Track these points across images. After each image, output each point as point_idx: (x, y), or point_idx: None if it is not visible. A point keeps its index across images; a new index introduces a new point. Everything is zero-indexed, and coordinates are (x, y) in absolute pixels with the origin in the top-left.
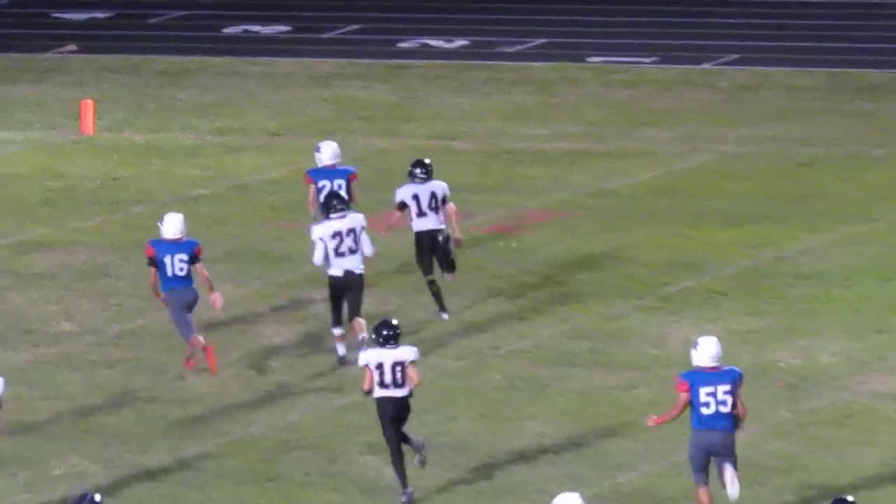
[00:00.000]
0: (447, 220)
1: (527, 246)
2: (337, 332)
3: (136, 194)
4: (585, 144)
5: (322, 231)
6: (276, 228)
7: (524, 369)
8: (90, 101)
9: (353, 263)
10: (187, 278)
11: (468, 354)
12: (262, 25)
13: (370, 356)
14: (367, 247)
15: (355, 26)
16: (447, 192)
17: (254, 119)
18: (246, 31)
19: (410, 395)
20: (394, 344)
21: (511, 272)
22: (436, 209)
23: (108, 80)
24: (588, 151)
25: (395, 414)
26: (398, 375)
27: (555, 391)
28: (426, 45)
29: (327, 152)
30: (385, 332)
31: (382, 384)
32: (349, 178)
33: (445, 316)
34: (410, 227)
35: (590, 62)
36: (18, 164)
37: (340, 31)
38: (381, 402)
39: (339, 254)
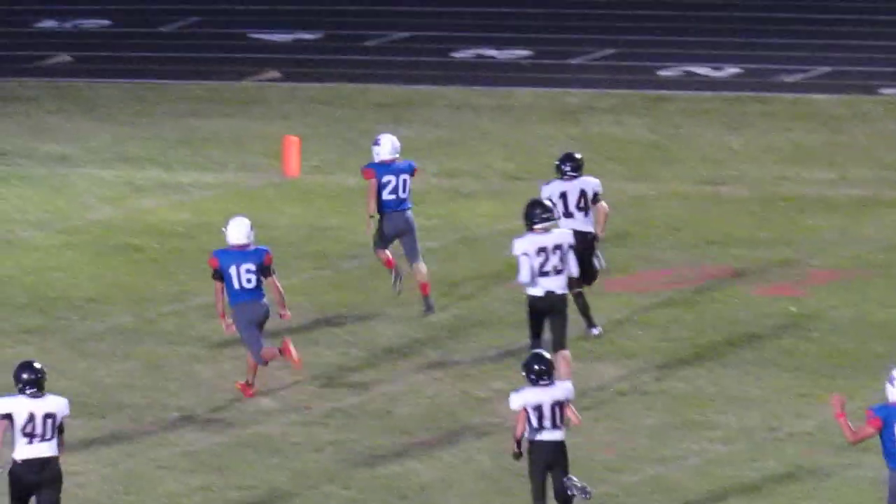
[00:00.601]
0: (596, 221)
1: (809, 310)
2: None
3: (348, 247)
4: (878, 191)
5: (526, 245)
6: (513, 289)
7: (805, 455)
8: (295, 138)
9: (557, 284)
10: (256, 290)
11: (739, 437)
12: (499, 49)
13: (526, 397)
14: (573, 266)
15: (608, 51)
16: (599, 189)
17: (488, 159)
18: (479, 56)
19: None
20: (548, 380)
21: (790, 341)
22: (585, 209)
23: (316, 113)
24: (881, 199)
25: (553, 459)
26: (557, 416)
27: (840, 481)
28: (690, 73)
29: (387, 146)
30: (538, 367)
31: (541, 426)
32: (413, 172)
33: (595, 331)
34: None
35: (883, 94)
36: (210, 211)
37: (590, 56)
38: (538, 446)
39: (542, 272)
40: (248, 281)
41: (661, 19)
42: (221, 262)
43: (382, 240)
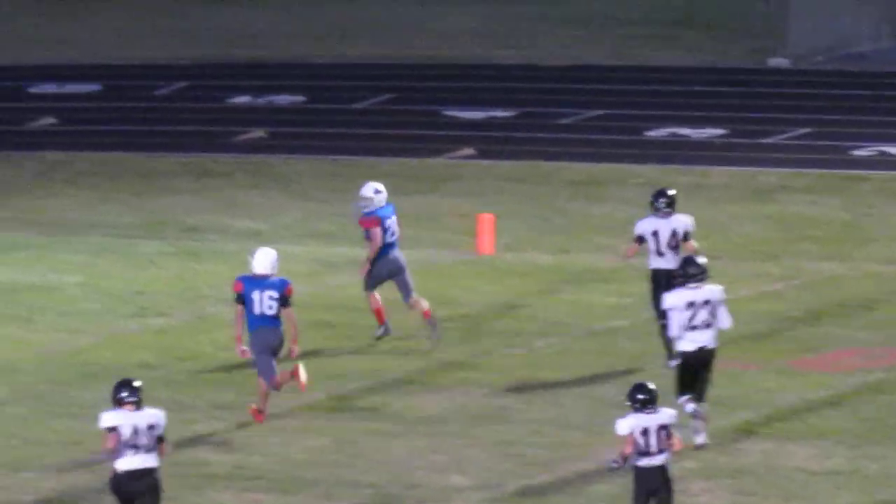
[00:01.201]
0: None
1: None
2: (690, 407)
3: (541, 326)
4: None
5: (674, 300)
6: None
7: None
8: (489, 216)
9: (708, 338)
10: (275, 318)
11: None
12: (693, 128)
13: (631, 423)
14: (725, 319)
15: (802, 130)
16: (690, 228)
17: None
18: (674, 134)
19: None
20: (652, 408)
21: None
22: (675, 248)
23: (509, 190)
24: None
25: (657, 484)
26: (662, 440)
27: None
28: (884, 152)
29: (384, 194)
30: (642, 396)
31: (647, 452)
32: (395, 211)
33: (673, 364)
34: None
35: None
36: None
37: (785, 135)
38: (642, 472)
39: (692, 327)
40: (270, 308)
41: (855, 99)
42: (246, 287)
43: (374, 279)
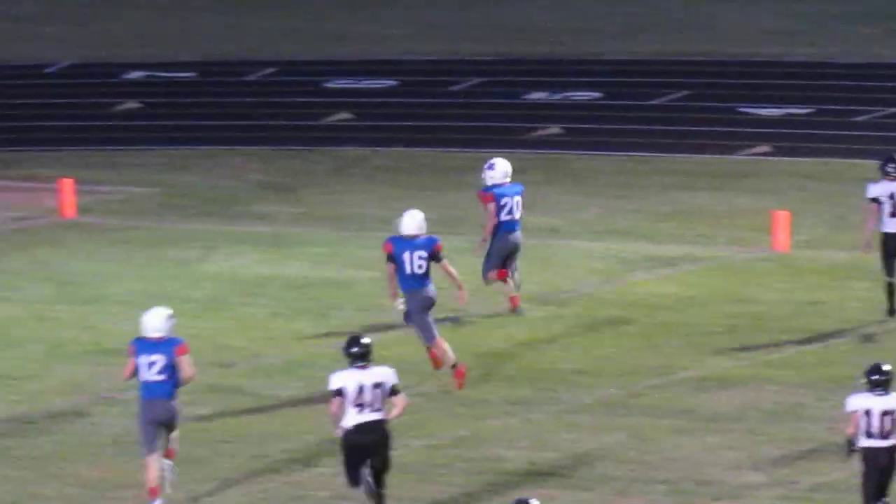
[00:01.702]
0: None
1: None
2: None
3: (836, 323)
4: None
5: None
6: None
7: None
8: (784, 213)
9: None
10: (425, 277)
11: None
12: None
13: (859, 402)
14: None
15: None
16: None
17: None
18: None
19: None
20: (882, 390)
21: None
22: None
23: (805, 188)
24: None
25: (887, 465)
26: (886, 426)
27: None
28: None
29: (501, 169)
30: (875, 377)
31: (869, 433)
32: (523, 193)
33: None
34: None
35: None
36: (697, 285)
37: None
38: (870, 451)
39: None
40: (420, 267)
41: None
42: (395, 248)
43: (493, 259)
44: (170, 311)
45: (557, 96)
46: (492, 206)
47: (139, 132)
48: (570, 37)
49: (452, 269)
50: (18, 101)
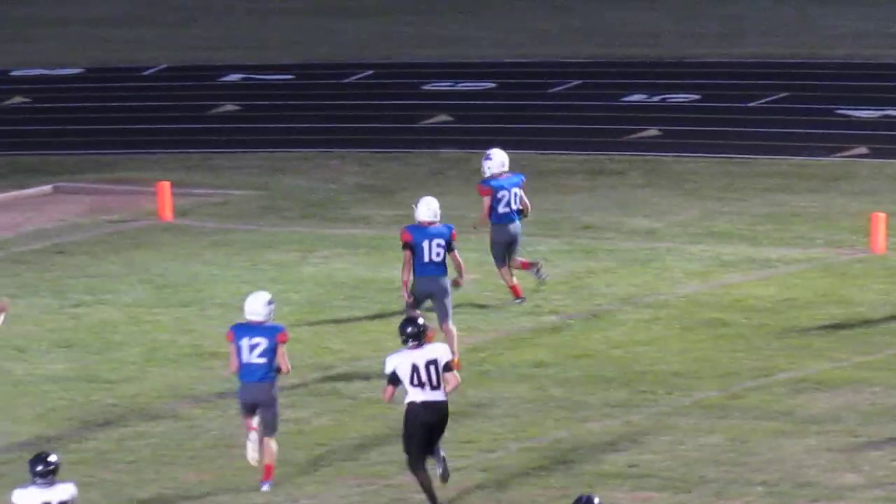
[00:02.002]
0: None
1: None
2: None
3: None
4: None
5: None
6: None
7: None
8: (882, 215)
9: None
10: (442, 264)
11: None
12: None
13: None
14: None
15: None
16: None
17: None
18: None
19: None
20: None
21: None
22: None
23: None
24: None
25: None
26: None
27: None
28: None
29: (498, 160)
30: None
31: None
32: (522, 184)
33: None
34: None
35: None
36: (795, 287)
37: None
38: None
39: None
40: (437, 255)
41: None
42: (414, 236)
43: (496, 251)
44: (270, 296)
45: (655, 98)
46: (487, 200)
47: (237, 135)
48: (668, 39)
49: (461, 260)
50: (116, 104)
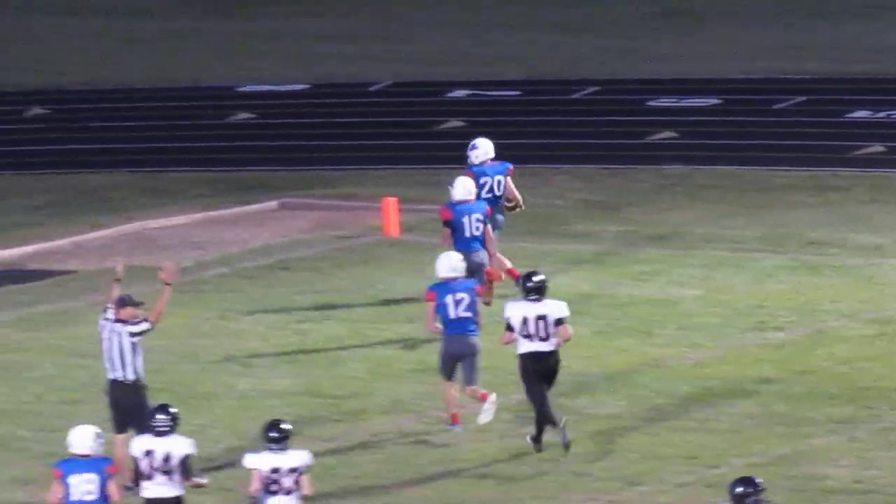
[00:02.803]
0: None
1: None
2: None
3: None
4: None
5: None
6: None
7: None
8: None
9: None
10: (480, 240)
11: None
12: None
13: None
14: None
15: None
16: None
17: None
18: None
19: None
20: None
21: None
22: None
23: None
24: None
25: None
26: None
27: None
28: None
29: (484, 148)
30: None
31: None
32: (507, 172)
33: None
34: None
35: None
36: None
37: None
38: None
39: None
40: (477, 229)
41: None
42: (455, 214)
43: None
44: (460, 255)
45: (881, 115)
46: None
47: (463, 151)
48: (893, 55)
49: (491, 235)
50: (342, 120)
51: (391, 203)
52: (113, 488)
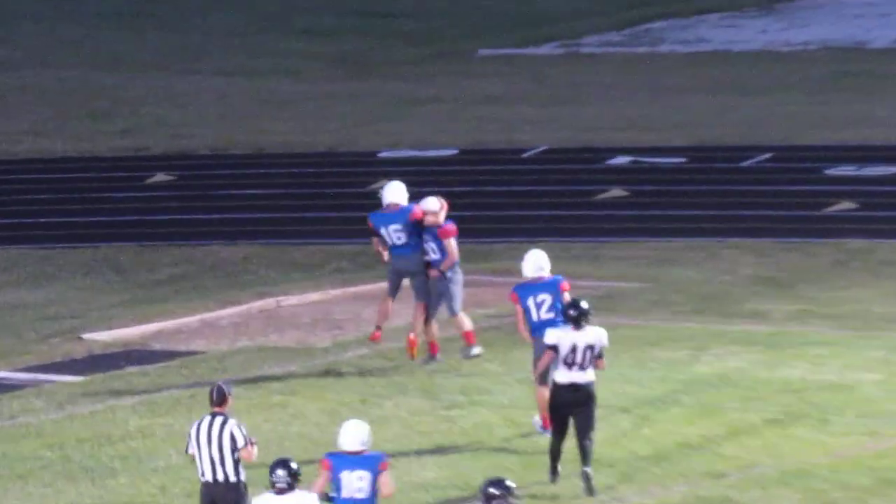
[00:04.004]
0: None
1: None
2: None
3: None
4: None
5: None
6: None
7: None
8: None
9: None
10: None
11: None
12: None
13: None
14: None
15: None
16: None
17: None
18: None
19: None
20: None
21: None
22: None
23: None
24: None
25: None
26: None
27: None
28: None
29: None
30: None
31: None
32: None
33: None
34: None
35: None
36: None
37: None
38: None
39: None
40: (399, 239)
41: None
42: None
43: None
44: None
45: None
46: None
47: (624, 222)
48: None
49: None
50: (494, 189)
51: None
52: (385, 480)
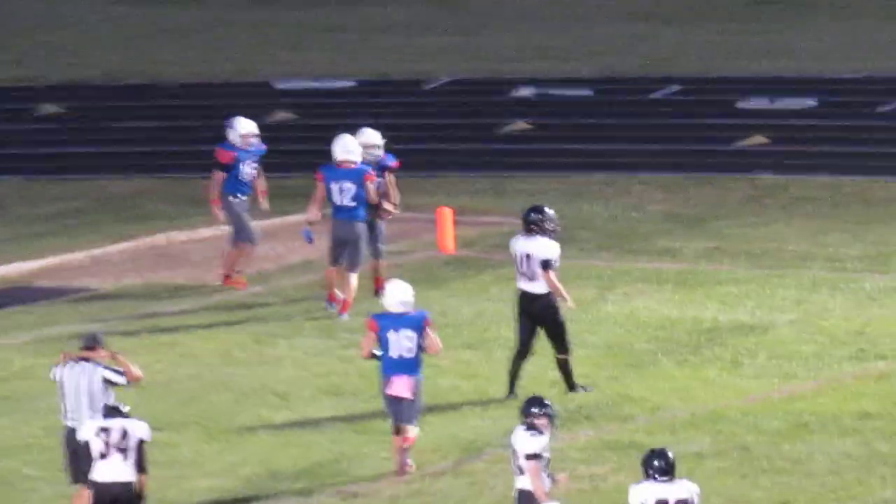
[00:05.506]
0: None
1: None
2: None
3: None
4: None
5: None
6: None
7: None
8: None
9: None
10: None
11: None
12: None
13: None
14: None
15: None
16: None
17: None
18: None
19: None
20: None
21: None
22: None
23: None
24: None
25: None
26: None
27: None
28: None
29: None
30: None
31: None
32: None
33: None
34: None
35: None
36: None
37: None
38: None
39: None
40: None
41: None
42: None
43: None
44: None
45: None
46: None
47: (529, 156)
48: None
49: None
50: (393, 122)
51: (447, 215)
52: (432, 338)
